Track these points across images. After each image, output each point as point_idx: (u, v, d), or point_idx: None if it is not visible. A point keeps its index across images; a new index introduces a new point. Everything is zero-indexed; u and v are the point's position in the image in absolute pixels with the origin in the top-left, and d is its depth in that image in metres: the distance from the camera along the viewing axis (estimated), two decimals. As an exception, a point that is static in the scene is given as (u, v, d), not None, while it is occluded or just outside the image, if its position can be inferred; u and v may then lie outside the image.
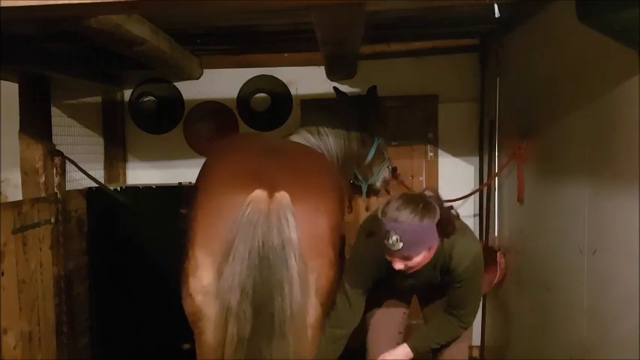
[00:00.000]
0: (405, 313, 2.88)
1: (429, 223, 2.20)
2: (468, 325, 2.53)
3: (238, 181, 2.10)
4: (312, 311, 2.17)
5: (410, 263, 2.26)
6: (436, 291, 2.71)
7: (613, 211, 2.28)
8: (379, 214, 2.22)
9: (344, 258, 2.62)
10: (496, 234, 4.01)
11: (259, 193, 2.03)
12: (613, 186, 2.27)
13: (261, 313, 1.97)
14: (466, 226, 2.52)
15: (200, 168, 2.45)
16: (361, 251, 2.55)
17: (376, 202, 4.53)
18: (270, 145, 2.42)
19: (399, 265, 2.26)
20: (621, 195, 2.19)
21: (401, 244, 2.16)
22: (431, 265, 2.42)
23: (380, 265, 2.40)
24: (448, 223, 2.31)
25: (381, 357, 2.60)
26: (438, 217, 2.23)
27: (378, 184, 4.00)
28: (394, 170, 4.05)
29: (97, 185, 3.90)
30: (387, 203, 2.24)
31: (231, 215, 2.03)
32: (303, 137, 3.47)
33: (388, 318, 2.81)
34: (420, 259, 2.26)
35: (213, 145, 2.56)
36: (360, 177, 3.92)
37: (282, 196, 2.04)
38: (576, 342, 2.59)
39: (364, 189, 3.97)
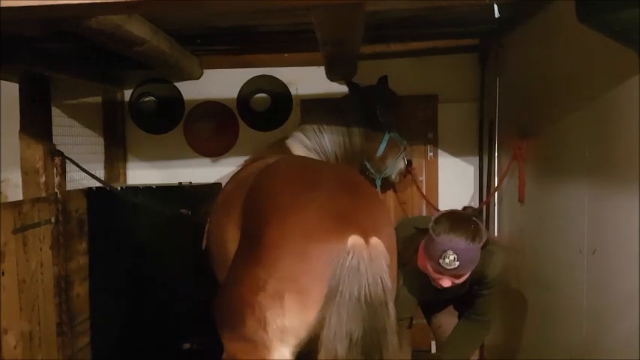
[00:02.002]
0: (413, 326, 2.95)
1: (479, 244, 2.27)
2: (489, 332, 2.60)
3: (331, 224, 2.02)
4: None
5: (457, 281, 2.32)
6: (451, 299, 2.76)
7: (613, 211, 2.28)
8: (432, 234, 2.24)
9: None
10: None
11: (357, 240, 1.98)
12: (613, 186, 2.27)
13: (369, 358, 1.96)
14: (494, 237, 2.58)
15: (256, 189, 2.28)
16: (402, 285, 2.55)
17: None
18: (340, 179, 2.30)
19: (447, 284, 2.31)
20: (621, 195, 2.19)
21: (457, 264, 2.21)
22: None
23: (422, 289, 2.46)
24: (487, 238, 2.36)
25: None
26: (485, 238, 2.29)
27: (394, 177, 4.02)
28: (409, 163, 4.03)
29: (97, 185, 3.90)
30: (437, 222, 2.27)
31: (330, 261, 1.96)
32: (298, 140, 3.48)
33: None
34: (467, 276, 2.33)
35: (275, 169, 2.40)
36: (372, 170, 3.92)
37: (377, 243, 2.01)
38: (576, 342, 2.59)
39: (378, 183, 3.97)
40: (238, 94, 4.53)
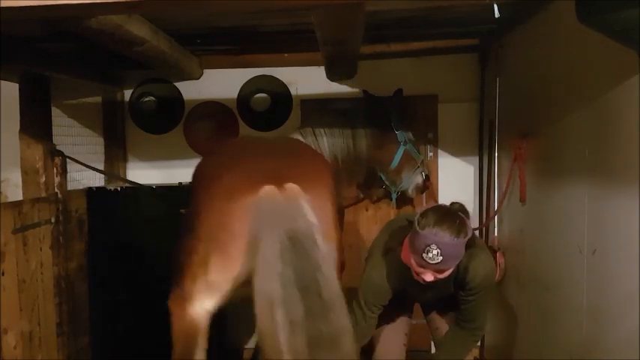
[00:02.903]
0: (409, 325, 2.95)
1: (464, 240, 2.25)
2: (479, 339, 2.57)
3: (248, 181, 2.18)
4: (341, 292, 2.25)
5: (440, 276, 2.30)
6: (441, 301, 2.74)
7: (613, 211, 2.28)
8: (416, 227, 2.24)
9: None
10: (496, 234, 4.01)
11: (269, 188, 2.12)
12: (613, 186, 2.27)
13: (309, 294, 2.03)
14: (480, 240, 2.55)
15: (197, 170, 2.52)
16: (379, 271, 2.57)
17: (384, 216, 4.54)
18: (276, 146, 2.53)
19: (429, 278, 2.30)
20: (621, 195, 2.19)
21: (440, 258, 2.20)
22: (452, 273, 2.44)
23: (399, 279, 2.43)
24: (472, 237, 2.35)
25: None
26: (470, 234, 2.28)
27: (410, 191, 3.94)
28: (427, 178, 3.95)
29: (97, 185, 3.90)
30: (423, 216, 2.26)
31: (246, 216, 2.11)
32: None
33: (395, 333, 2.87)
34: (449, 272, 2.31)
35: (212, 150, 2.65)
36: (387, 182, 3.91)
37: (292, 186, 2.13)
38: (576, 342, 2.60)
39: (394, 196, 3.94)
40: (238, 94, 4.53)
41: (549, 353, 2.96)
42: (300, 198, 2.12)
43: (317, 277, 2.04)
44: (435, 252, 2.19)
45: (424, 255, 2.21)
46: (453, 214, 2.28)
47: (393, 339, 2.87)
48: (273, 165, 2.27)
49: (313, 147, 3.51)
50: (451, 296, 2.59)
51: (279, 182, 2.14)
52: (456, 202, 2.40)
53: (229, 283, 2.17)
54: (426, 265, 2.24)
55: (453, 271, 2.38)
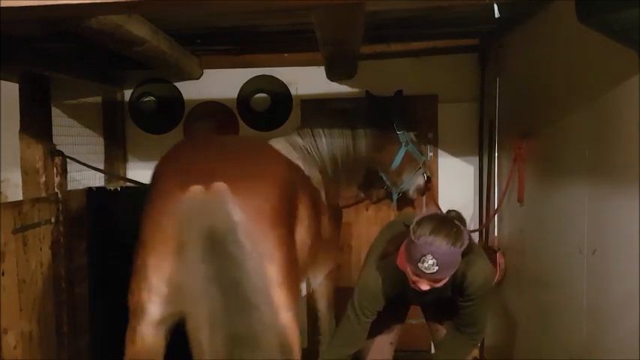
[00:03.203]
0: (400, 324, 2.92)
1: (460, 249, 2.23)
2: (478, 343, 2.55)
3: (179, 181, 2.22)
4: (276, 290, 2.27)
5: (436, 285, 2.28)
6: (440, 303, 2.73)
7: (613, 211, 2.28)
8: (412, 237, 2.22)
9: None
10: (496, 234, 4.01)
11: (195, 188, 2.15)
12: (613, 186, 2.27)
13: (229, 293, 2.07)
14: (478, 245, 2.53)
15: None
16: (375, 276, 2.56)
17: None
18: (214, 144, 2.55)
19: (425, 287, 2.28)
20: (621, 195, 2.19)
21: (436, 268, 2.17)
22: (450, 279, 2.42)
23: (395, 286, 2.43)
24: (469, 244, 2.32)
25: None
26: (466, 242, 2.25)
27: (411, 192, 3.94)
28: (428, 179, 3.95)
29: (97, 185, 3.90)
30: (419, 225, 2.24)
31: (174, 214, 2.16)
32: (286, 140, 3.49)
33: (385, 322, 2.84)
34: (445, 280, 2.29)
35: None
36: (388, 183, 3.91)
37: (219, 185, 2.16)
38: (576, 342, 2.59)
39: (395, 197, 3.94)
40: (238, 94, 4.54)
41: (549, 353, 2.96)
42: (226, 197, 2.13)
43: (238, 276, 2.07)
44: (430, 262, 2.16)
45: (420, 265, 2.18)
46: (450, 223, 2.25)
47: (380, 337, 2.86)
48: (211, 165, 2.30)
49: (311, 147, 3.51)
50: (450, 299, 2.58)
51: (208, 182, 2.16)
52: (453, 210, 2.38)
53: (165, 285, 2.17)
54: (421, 274, 2.22)
55: (449, 279, 2.36)
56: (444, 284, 2.34)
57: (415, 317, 3.21)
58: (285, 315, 2.22)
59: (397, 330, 2.91)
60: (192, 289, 2.10)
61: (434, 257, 2.15)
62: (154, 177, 2.42)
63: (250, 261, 2.10)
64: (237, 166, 2.34)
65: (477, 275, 2.40)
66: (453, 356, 2.61)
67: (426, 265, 2.17)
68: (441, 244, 2.17)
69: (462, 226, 2.28)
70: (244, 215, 2.15)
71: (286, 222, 2.37)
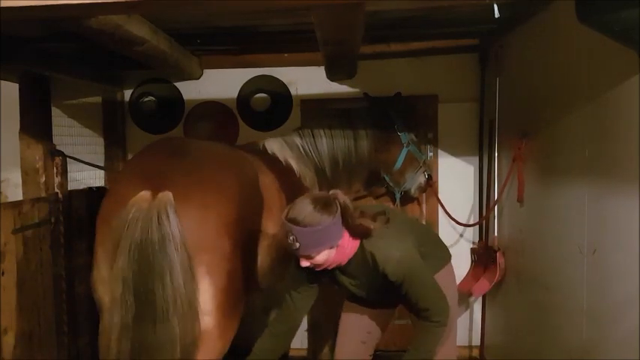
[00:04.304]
0: (374, 327, 2.85)
1: (327, 223, 2.23)
2: (441, 324, 2.47)
3: (134, 185, 2.29)
4: (209, 299, 2.34)
5: (314, 261, 2.30)
6: (381, 291, 2.69)
7: (613, 211, 2.28)
8: (282, 215, 2.29)
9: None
10: (496, 234, 4.01)
11: (143, 194, 2.22)
12: (613, 186, 2.27)
13: (142, 302, 2.14)
14: (392, 231, 2.43)
15: None
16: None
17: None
18: (177, 149, 2.58)
19: (304, 263, 2.32)
20: (621, 195, 2.19)
21: (298, 244, 2.22)
22: (364, 268, 2.42)
23: (308, 270, 2.43)
24: (357, 225, 2.33)
25: None
26: (337, 215, 2.26)
27: (413, 191, 4.06)
28: (429, 178, 4.06)
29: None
30: (292, 204, 2.30)
31: (120, 216, 2.22)
32: (283, 139, 3.50)
33: (354, 320, 2.82)
34: (323, 257, 2.29)
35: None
36: (391, 183, 3.98)
37: (165, 194, 2.21)
38: (576, 342, 2.60)
39: (397, 196, 4.03)
40: (238, 94, 4.54)
41: (549, 353, 2.96)
42: (168, 207, 2.19)
43: (155, 287, 2.13)
44: (291, 239, 2.22)
45: (289, 241, 2.25)
46: (318, 199, 2.28)
47: (348, 337, 2.84)
48: (167, 171, 2.36)
49: (309, 147, 3.52)
50: (387, 286, 2.48)
51: (157, 189, 2.22)
52: (335, 190, 2.39)
53: (112, 279, 2.23)
54: (292, 251, 2.29)
55: (361, 262, 2.38)
56: (336, 263, 2.37)
57: (400, 317, 3.19)
58: (201, 329, 2.27)
59: (372, 329, 2.84)
60: (113, 293, 2.18)
61: (293, 234, 2.21)
62: (118, 175, 2.49)
63: (174, 273, 2.15)
64: (193, 175, 2.39)
65: (384, 260, 2.35)
66: (422, 345, 2.55)
67: (289, 241, 2.24)
68: (301, 220, 2.21)
69: (332, 200, 2.28)
70: (185, 226, 2.20)
71: (234, 234, 2.42)
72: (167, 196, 2.21)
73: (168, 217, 2.17)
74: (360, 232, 2.36)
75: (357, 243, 2.39)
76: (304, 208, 2.24)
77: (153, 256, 2.14)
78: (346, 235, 2.33)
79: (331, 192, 2.36)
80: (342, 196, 2.34)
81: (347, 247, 2.36)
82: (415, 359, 2.49)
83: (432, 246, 2.69)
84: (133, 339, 2.14)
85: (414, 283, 2.40)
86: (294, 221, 2.22)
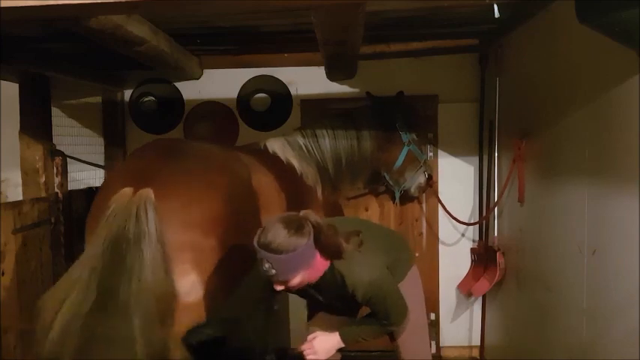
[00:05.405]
0: (338, 319, 2.79)
1: (301, 248, 2.17)
2: (388, 328, 2.49)
3: (121, 184, 2.29)
4: (192, 296, 2.32)
5: (289, 285, 2.25)
6: (347, 303, 2.67)
7: (613, 211, 2.28)
8: (254, 241, 2.20)
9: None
10: (496, 234, 4.01)
11: (125, 190, 2.23)
12: (613, 186, 2.27)
13: (103, 293, 2.12)
14: (364, 255, 2.38)
15: None
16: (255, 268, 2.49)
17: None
18: (168, 149, 2.58)
19: (279, 288, 2.26)
20: (621, 195, 2.19)
21: (274, 271, 2.16)
22: (333, 286, 2.38)
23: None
24: (329, 246, 2.28)
25: (312, 335, 2.56)
26: (310, 237, 2.20)
27: (413, 190, 4.08)
28: (429, 177, 4.09)
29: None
30: (262, 229, 2.21)
31: (105, 211, 2.24)
32: (285, 138, 3.50)
33: (320, 324, 2.76)
34: (298, 280, 2.25)
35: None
36: (391, 182, 4.00)
37: (145, 191, 2.21)
38: (576, 342, 2.60)
39: (397, 195, 4.06)
40: (238, 94, 4.54)
41: (549, 353, 2.96)
42: (147, 203, 2.18)
43: (122, 280, 2.11)
44: (266, 266, 2.15)
45: (263, 267, 2.18)
46: (290, 223, 2.19)
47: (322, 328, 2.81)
48: (154, 169, 2.36)
49: (312, 147, 3.53)
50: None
51: (140, 186, 2.22)
52: (307, 211, 2.32)
53: (77, 265, 2.26)
54: (266, 277, 2.22)
55: (330, 278, 2.33)
56: (309, 281, 2.31)
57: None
58: (162, 333, 2.20)
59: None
60: (70, 276, 2.20)
61: (268, 262, 2.15)
62: (109, 175, 2.49)
63: (144, 270, 2.12)
64: (180, 173, 2.39)
65: (354, 284, 2.33)
66: (363, 332, 2.53)
67: (264, 268, 2.17)
68: (276, 248, 2.14)
69: (305, 223, 2.22)
70: (168, 223, 2.19)
71: (222, 232, 2.39)
72: (147, 192, 2.20)
73: (146, 213, 2.17)
74: (331, 253, 2.31)
75: (327, 263, 2.33)
76: (278, 233, 2.15)
77: (126, 251, 2.13)
78: (318, 254, 2.28)
79: (302, 213, 2.29)
80: (313, 216, 2.28)
81: (318, 267, 2.31)
82: (349, 335, 2.53)
83: (396, 252, 2.65)
84: (83, 330, 2.08)
85: (379, 303, 2.41)
86: (269, 248, 2.14)
